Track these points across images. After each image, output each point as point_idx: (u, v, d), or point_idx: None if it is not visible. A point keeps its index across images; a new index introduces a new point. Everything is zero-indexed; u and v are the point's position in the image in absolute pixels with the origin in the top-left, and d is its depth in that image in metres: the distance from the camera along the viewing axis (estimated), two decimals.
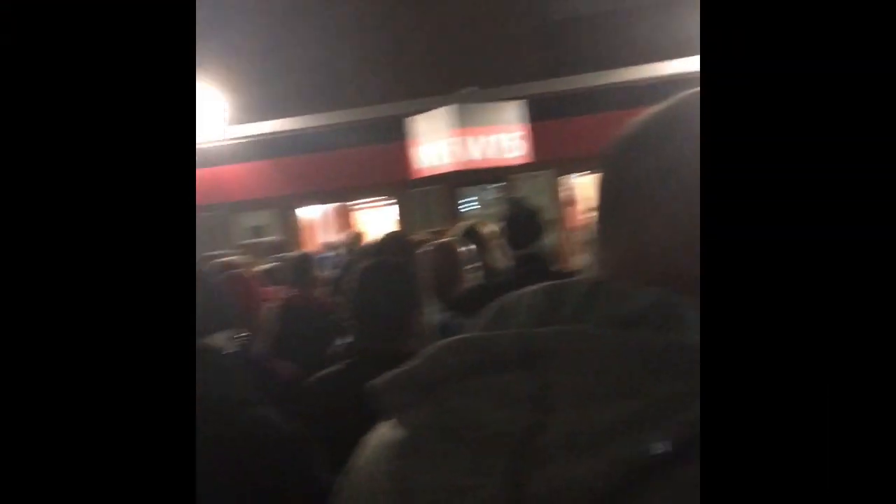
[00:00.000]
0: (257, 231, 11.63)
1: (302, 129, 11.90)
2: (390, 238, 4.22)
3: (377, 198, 12.47)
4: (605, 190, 0.74)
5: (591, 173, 10.09)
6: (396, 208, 12.20)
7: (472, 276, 3.56)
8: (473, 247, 3.77)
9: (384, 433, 0.72)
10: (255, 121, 11.87)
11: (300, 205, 12.25)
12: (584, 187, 10.78)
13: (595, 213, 0.76)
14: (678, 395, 0.57)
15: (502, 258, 3.92)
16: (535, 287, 0.67)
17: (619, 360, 0.58)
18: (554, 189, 10.97)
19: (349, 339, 2.36)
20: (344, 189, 12.11)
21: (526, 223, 3.77)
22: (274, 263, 5.28)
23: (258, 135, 11.93)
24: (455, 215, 10.41)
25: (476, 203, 11.42)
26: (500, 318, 0.66)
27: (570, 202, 10.95)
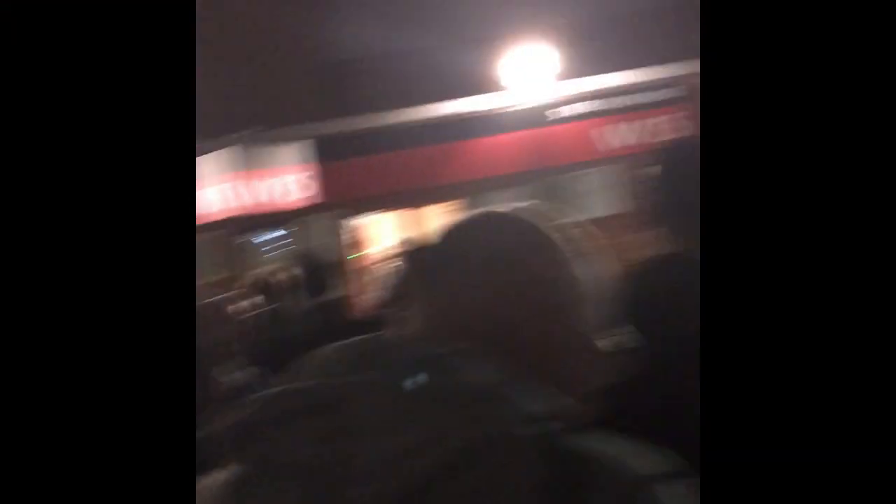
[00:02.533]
0: None
1: None
2: None
3: None
4: (420, 264, 0.93)
5: (382, 212, 10.06)
6: None
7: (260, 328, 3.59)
8: (262, 297, 3.91)
9: (219, 477, 0.86)
10: None
11: None
12: (373, 227, 10.38)
13: (406, 278, 0.93)
14: (440, 427, 0.72)
15: (296, 307, 4.00)
16: (340, 343, 0.85)
17: (395, 401, 0.74)
18: (340, 231, 10.37)
19: None
20: None
21: (318, 271, 3.84)
22: None
23: None
24: (242, 262, 9.70)
25: (266, 248, 10.67)
26: (311, 370, 0.83)
27: (359, 243, 10.34)
